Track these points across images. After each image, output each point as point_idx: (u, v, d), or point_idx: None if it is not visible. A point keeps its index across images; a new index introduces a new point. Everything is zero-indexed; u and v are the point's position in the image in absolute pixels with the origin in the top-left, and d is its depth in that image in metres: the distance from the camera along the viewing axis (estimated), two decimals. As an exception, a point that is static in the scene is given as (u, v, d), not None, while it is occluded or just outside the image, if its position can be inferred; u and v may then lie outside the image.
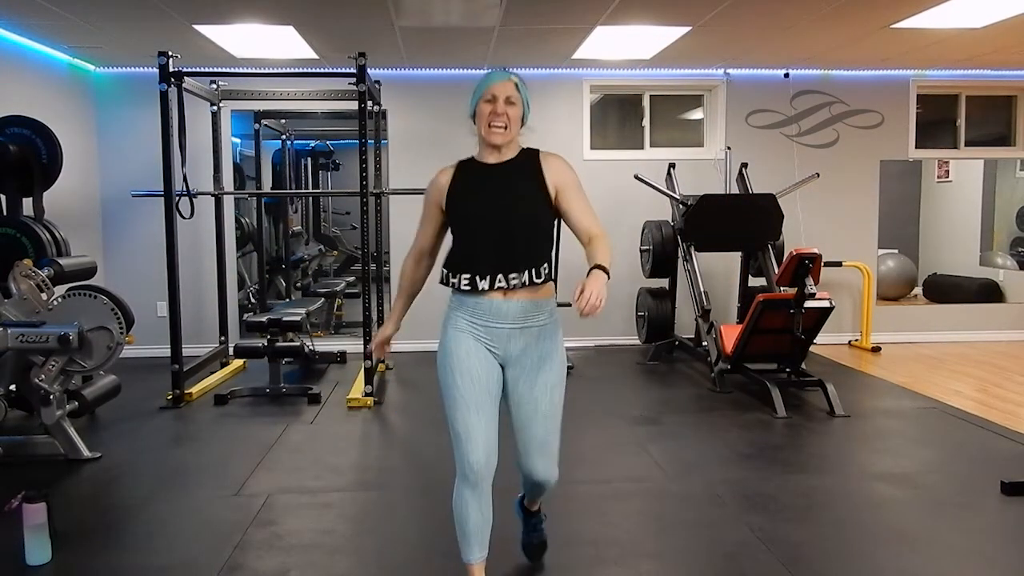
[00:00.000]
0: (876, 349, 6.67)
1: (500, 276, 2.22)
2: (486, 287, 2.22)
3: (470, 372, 2.24)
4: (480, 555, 2.29)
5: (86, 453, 3.87)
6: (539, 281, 2.24)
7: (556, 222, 2.37)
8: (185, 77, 4.96)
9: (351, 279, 8.39)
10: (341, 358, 6.04)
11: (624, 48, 5.75)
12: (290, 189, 8.60)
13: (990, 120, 7.31)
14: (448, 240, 2.41)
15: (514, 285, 2.22)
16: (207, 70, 5.58)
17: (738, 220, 5.81)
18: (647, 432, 4.34)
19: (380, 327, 2.55)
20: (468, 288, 2.24)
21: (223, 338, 5.99)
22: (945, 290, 8.25)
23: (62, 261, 4.19)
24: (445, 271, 2.32)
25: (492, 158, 2.32)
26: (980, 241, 8.61)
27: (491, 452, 2.23)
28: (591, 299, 2.01)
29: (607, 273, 2.13)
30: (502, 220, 2.24)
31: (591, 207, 2.34)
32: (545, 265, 2.28)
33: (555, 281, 2.39)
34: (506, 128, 2.25)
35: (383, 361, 5.87)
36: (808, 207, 6.62)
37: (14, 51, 5.24)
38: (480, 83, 2.30)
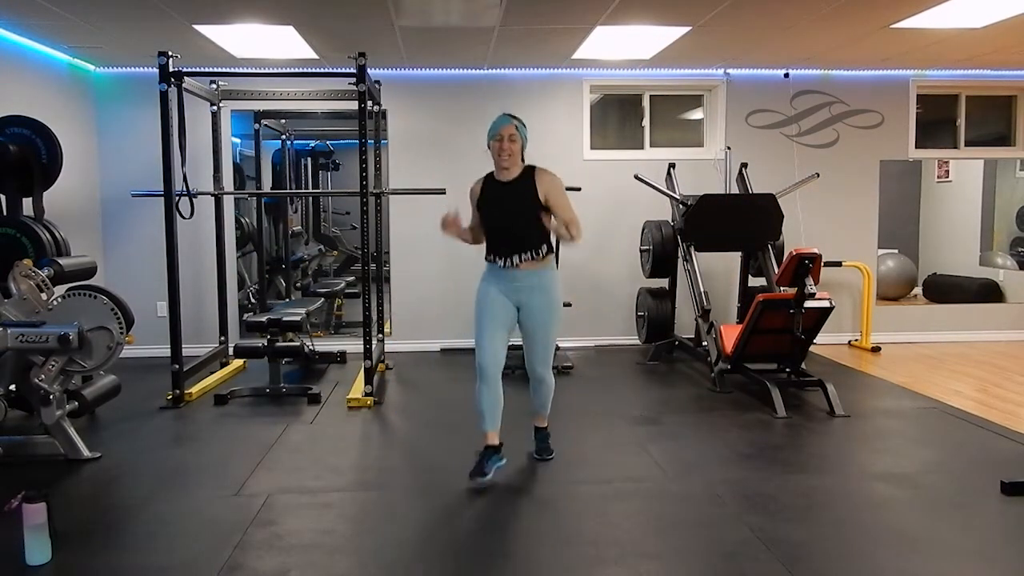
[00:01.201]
0: (876, 349, 6.67)
1: (513, 256, 3.51)
2: (503, 264, 3.54)
3: (491, 309, 3.55)
4: (492, 426, 3.56)
5: (86, 453, 3.87)
6: (538, 257, 3.53)
7: (548, 216, 3.56)
8: (185, 77, 4.96)
9: (351, 279, 8.39)
10: (341, 358, 6.04)
11: (624, 48, 5.75)
12: (290, 189, 8.60)
13: (990, 120, 7.31)
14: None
15: (523, 260, 3.51)
16: (207, 70, 5.58)
17: (738, 220, 5.81)
18: (647, 432, 4.34)
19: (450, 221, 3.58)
20: (494, 262, 3.56)
21: (223, 338, 5.99)
22: (945, 290, 8.25)
23: (62, 261, 4.19)
24: (486, 249, 3.63)
25: (503, 177, 3.58)
26: (980, 241, 8.62)
27: (498, 358, 3.54)
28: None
29: (571, 235, 3.52)
30: (511, 222, 3.55)
31: (571, 205, 3.58)
32: (544, 246, 3.55)
33: (556, 255, 3.83)
34: (511, 156, 3.50)
35: (383, 361, 5.87)
36: (808, 207, 6.62)
37: (14, 51, 5.24)
38: (492, 127, 3.53)
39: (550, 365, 3.68)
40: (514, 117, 3.51)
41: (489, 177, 3.60)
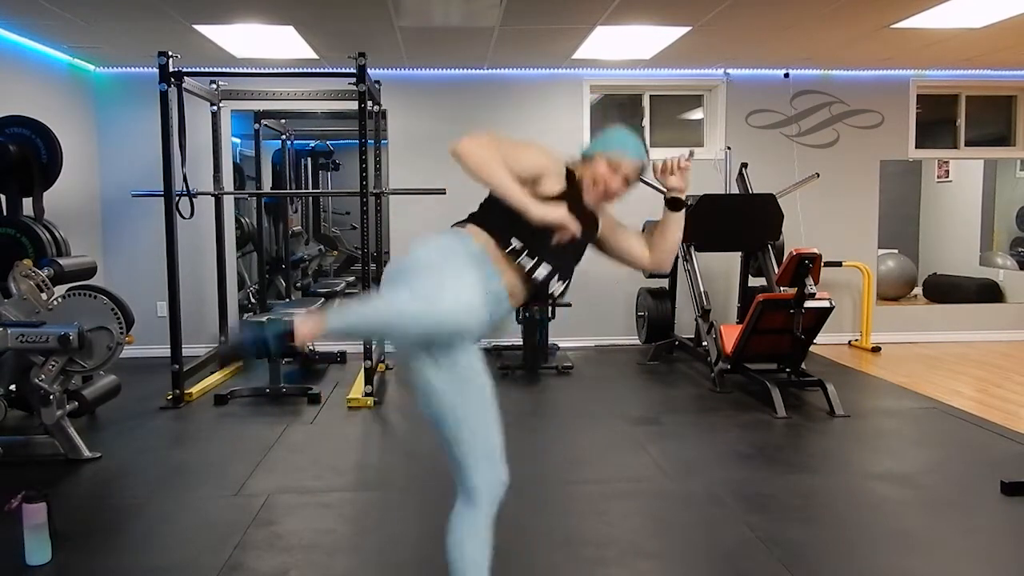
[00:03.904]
0: (876, 349, 6.67)
1: (551, 280, 2.14)
2: (537, 277, 2.08)
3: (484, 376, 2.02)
4: None
5: (86, 453, 3.87)
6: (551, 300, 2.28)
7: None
8: (185, 77, 4.96)
9: (351, 279, 8.38)
10: (341, 358, 6.04)
11: (624, 48, 5.75)
12: (290, 189, 8.59)
13: (990, 120, 7.31)
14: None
15: (553, 294, 2.23)
16: (207, 70, 5.58)
17: (738, 220, 5.81)
18: (647, 432, 4.34)
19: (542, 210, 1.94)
20: (518, 267, 2.04)
21: (223, 338, 5.99)
22: (945, 290, 8.25)
23: (62, 261, 4.19)
24: (512, 239, 2.06)
25: (588, 203, 2.19)
26: (980, 241, 8.62)
27: None
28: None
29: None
30: (574, 249, 2.21)
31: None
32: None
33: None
34: (606, 201, 2.20)
35: (383, 361, 5.87)
36: (808, 207, 6.62)
37: (14, 51, 5.23)
38: (616, 140, 2.19)
39: None
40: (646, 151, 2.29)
41: (574, 178, 2.15)
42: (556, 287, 2.12)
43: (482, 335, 1.97)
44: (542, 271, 2.02)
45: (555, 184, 2.05)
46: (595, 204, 2.16)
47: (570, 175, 2.12)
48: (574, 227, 1.93)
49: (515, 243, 1.99)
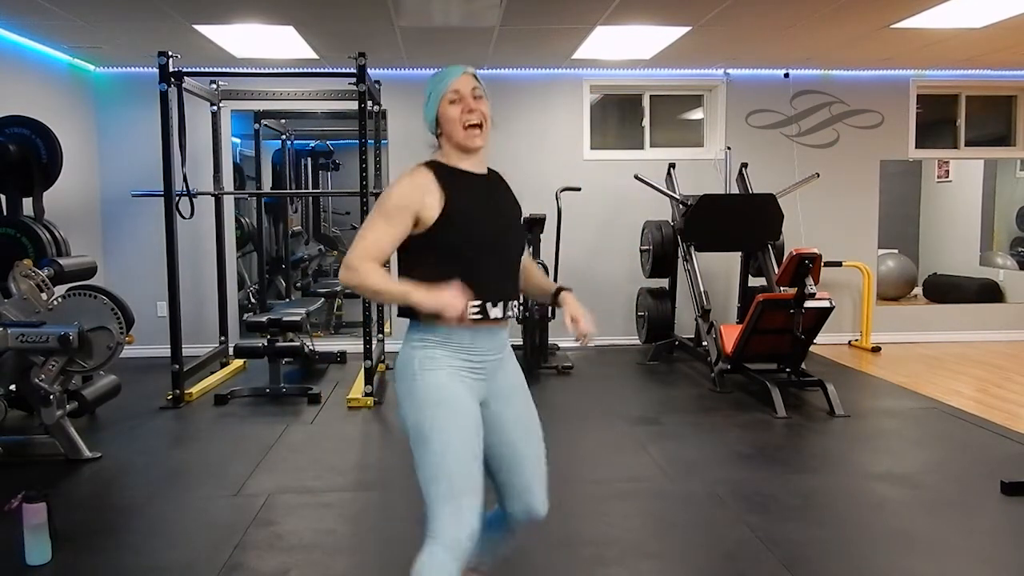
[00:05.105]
0: (876, 349, 6.67)
1: (509, 301, 1.96)
2: (497, 316, 1.93)
3: (475, 418, 1.91)
4: None
5: (86, 453, 3.87)
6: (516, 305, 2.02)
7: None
8: (185, 77, 4.96)
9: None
10: (341, 358, 6.03)
11: (624, 48, 5.75)
12: (290, 189, 8.60)
13: (990, 120, 7.31)
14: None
15: (514, 313, 1.99)
16: (207, 70, 5.59)
17: (738, 220, 5.81)
18: (647, 432, 4.34)
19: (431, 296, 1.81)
20: (478, 317, 1.89)
21: (223, 338, 5.99)
22: (945, 290, 8.25)
23: (62, 261, 4.19)
24: (446, 292, 1.82)
25: (469, 165, 1.97)
26: (980, 241, 8.61)
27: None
28: (589, 325, 2.08)
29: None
30: (512, 240, 2.03)
31: None
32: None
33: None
34: (481, 126, 1.94)
35: (383, 361, 5.87)
36: (808, 207, 6.62)
37: (14, 51, 5.23)
38: (436, 83, 1.98)
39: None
40: (468, 67, 2.03)
41: (441, 167, 1.94)
42: (509, 304, 1.98)
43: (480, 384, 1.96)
44: (475, 307, 1.89)
45: (432, 198, 1.88)
46: (480, 141, 1.95)
47: (436, 165, 1.95)
48: (459, 304, 1.79)
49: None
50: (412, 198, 1.88)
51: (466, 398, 1.91)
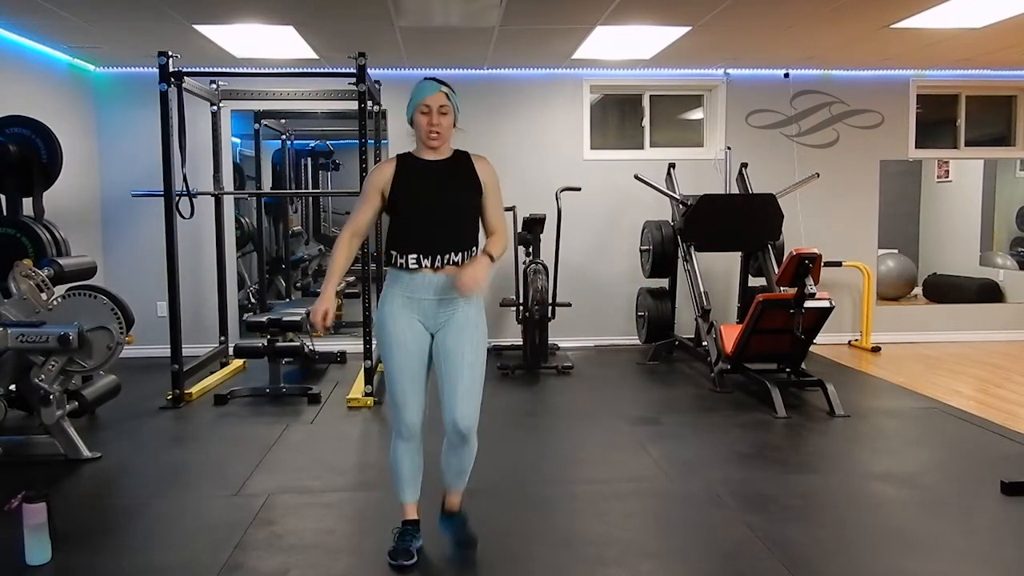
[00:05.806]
0: (876, 349, 6.67)
1: (445, 255, 2.62)
2: (429, 264, 2.62)
3: (405, 345, 2.65)
4: (413, 497, 2.84)
5: (86, 453, 3.87)
6: (468, 259, 2.65)
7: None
8: (185, 77, 4.96)
9: (351, 279, 8.38)
10: (341, 358, 6.04)
11: (624, 48, 5.75)
12: (290, 189, 8.60)
13: (990, 120, 7.31)
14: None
15: (453, 263, 2.62)
16: (207, 70, 5.59)
17: (738, 220, 5.81)
18: (647, 432, 4.34)
19: (317, 301, 2.66)
20: (414, 267, 2.62)
21: (223, 338, 5.99)
22: (945, 290, 8.25)
23: (62, 261, 4.19)
24: (392, 252, 2.67)
25: (430, 156, 2.70)
26: (980, 241, 8.61)
27: (421, 413, 2.73)
28: (465, 279, 2.53)
29: (492, 259, 2.66)
30: (446, 210, 2.66)
31: (502, 208, 2.82)
32: (474, 247, 2.69)
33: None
34: (439, 136, 2.63)
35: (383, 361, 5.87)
36: (808, 207, 6.62)
37: (14, 51, 5.23)
38: (414, 94, 2.63)
39: (477, 411, 2.70)
40: (443, 83, 2.64)
41: (406, 157, 2.72)
42: (457, 258, 2.64)
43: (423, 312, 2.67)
44: (413, 259, 2.62)
45: (389, 181, 2.67)
46: (437, 143, 2.64)
47: (402, 156, 2.72)
48: (318, 316, 2.63)
49: (393, 253, 2.67)
50: (378, 182, 2.70)
51: (406, 330, 2.65)
